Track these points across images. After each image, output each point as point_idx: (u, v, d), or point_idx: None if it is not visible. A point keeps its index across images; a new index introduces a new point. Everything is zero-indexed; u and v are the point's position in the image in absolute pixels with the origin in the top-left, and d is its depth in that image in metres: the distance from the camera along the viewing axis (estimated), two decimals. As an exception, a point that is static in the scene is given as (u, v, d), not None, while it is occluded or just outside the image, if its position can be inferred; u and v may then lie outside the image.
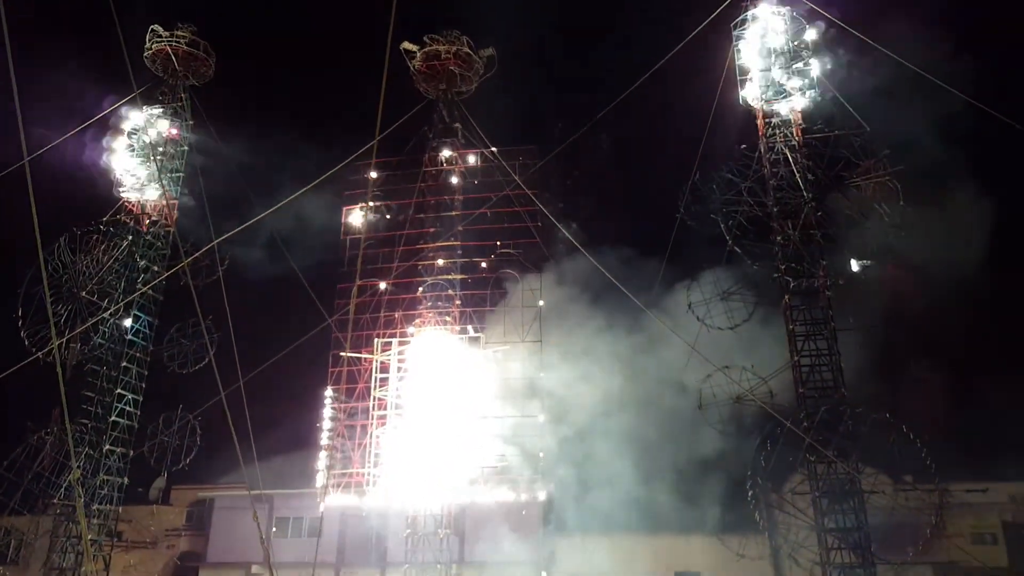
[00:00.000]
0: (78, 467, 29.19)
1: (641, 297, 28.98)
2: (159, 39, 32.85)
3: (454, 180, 31.82)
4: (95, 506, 30.26)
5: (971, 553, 30.52)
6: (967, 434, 33.14)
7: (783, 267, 28.82)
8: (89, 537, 29.90)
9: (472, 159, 32.24)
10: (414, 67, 32.18)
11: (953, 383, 33.67)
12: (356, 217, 32.12)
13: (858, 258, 28.67)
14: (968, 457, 31.72)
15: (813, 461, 27.04)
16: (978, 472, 32.52)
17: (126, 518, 33.99)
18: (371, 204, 31.44)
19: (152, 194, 32.58)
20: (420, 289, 31.21)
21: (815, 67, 29.02)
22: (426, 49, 32.00)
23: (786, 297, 28.78)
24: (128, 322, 31.65)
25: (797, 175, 28.85)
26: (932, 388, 32.41)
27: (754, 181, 29.66)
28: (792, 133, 29.36)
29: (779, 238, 29.04)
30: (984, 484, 32.83)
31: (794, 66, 29.31)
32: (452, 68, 31.91)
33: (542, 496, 31.82)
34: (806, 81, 29.17)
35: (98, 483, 30.43)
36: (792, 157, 29.09)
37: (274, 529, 33.98)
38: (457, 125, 32.00)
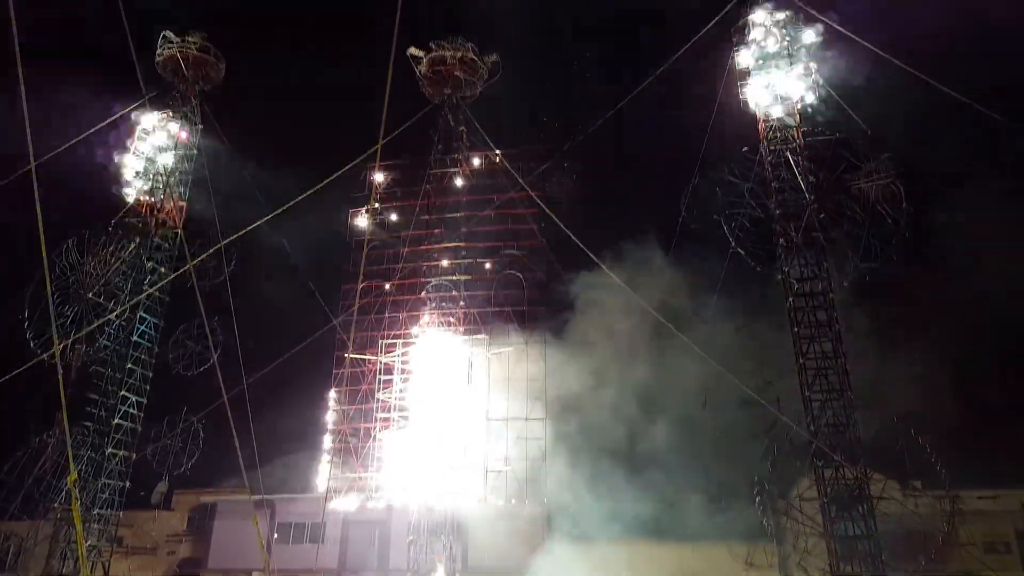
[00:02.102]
0: (76, 469, 29.03)
1: (645, 298, 29.00)
2: (170, 45, 33.59)
3: (459, 183, 32.19)
4: (96, 511, 30.00)
5: (984, 562, 29.95)
6: (978, 439, 32.67)
7: (786, 269, 28.84)
8: (89, 543, 29.64)
9: (476, 162, 32.63)
10: (420, 72, 32.82)
11: (963, 387, 33.31)
12: (362, 219, 32.40)
13: (862, 260, 28.64)
14: (979, 463, 31.25)
15: (820, 466, 26.71)
16: (989, 479, 32.02)
17: (127, 523, 33.68)
18: (376, 206, 31.72)
19: (160, 197, 32.97)
20: (424, 291, 31.29)
21: (815, 71, 29.37)
22: (432, 55, 32.69)
23: (790, 299, 28.72)
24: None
25: (799, 177, 29.02)
26: (941, 392, 32.08)
27: (756, 183, 29.85)
28: (793, 135, 29.61)
29: (782, 240, 29.11)
30: (996, 491, 32.31)
31: (794, 70, 29.68)
32: (457, 73, 32.54)
33: (546, 502, 31.45)
34: (806, 84, 29.51)
35: (99, 487, 30.22)
36: (793, 160, 29.29)
37: (276, 535, 33.61)
38: (462, 129, 32.50)
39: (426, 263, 31.32)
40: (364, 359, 30.77)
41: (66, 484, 29.53)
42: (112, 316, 30.87)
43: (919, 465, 28.15)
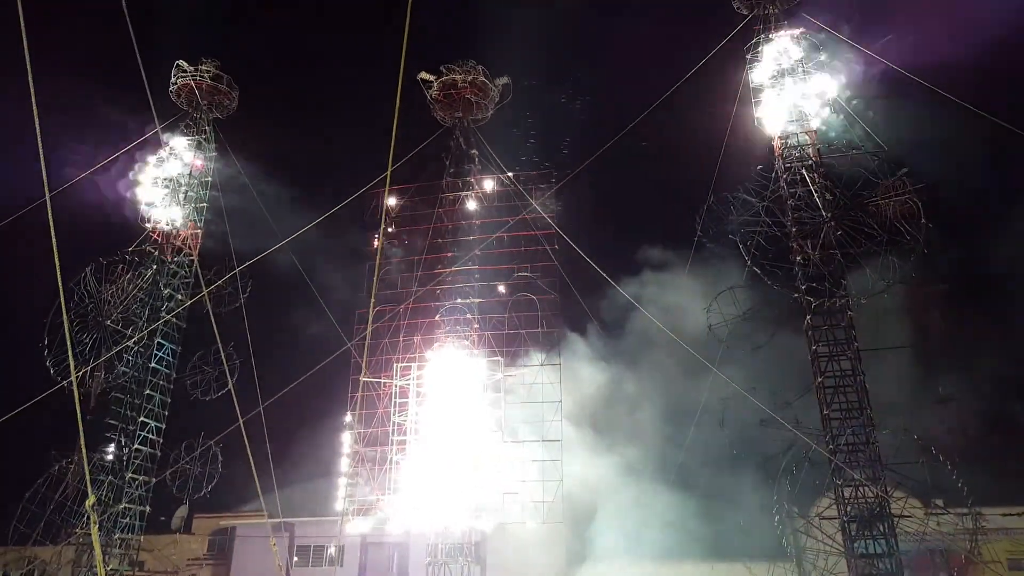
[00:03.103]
0: (94, 494, 29.28)
1: (660, 318, 28.90)
2: (184, 74, 33.85)
3: (471, 205, 32.21)
4: (117, 535, 30.29)
5: (1009, 579, 29.60)
6: (1000, 456, 32.26)
7: (803, 287, 28.57)
8: (111, 567, 29.91)
9: (489, 184, 32.64)
10: (431, 96, 32.87)
11: (983, 403, 32.93)
12: (375, 243, 32.50)
13: (881, 277, 28.30)
14: (1002, 480, 30.86)
15: (840, 485, 26.49)
16: (1012, 495, 31.62)
17: (148, 548, 33.94)
18: (389, 230, 31.81)
19: (176, 224, 33.23)
20: (438, 314, 31.33)
21: (830, 88, 29.08)
22: (443, 78, 32.77)
23: (808, 318, 28.47)
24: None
25: (815, 195, 28.74)
26: (962, 408, 31.72)
27: (772, 201, 29.61)
28: (809, 153, 29.33)
29: (799, 258, 28.84)
30: (1020, 508, 31.90)
31: (809, 87, 29.40)
32: (468, 96, 32.58)
33: (564, 522, 31.38)
34: (821, 102, 29.23)
35: (120, 511, 30.49)
36: (809, 177, 29.01)
37: (295, 558, 33.76)
38: (474, 151, 32.53)
39: (440, 286, 31.34)
40: (379, 381, 30.82)
41: (84, 508, 29.79)
42: (130, 343, 31.11)
43: (941, 483, 27.79)
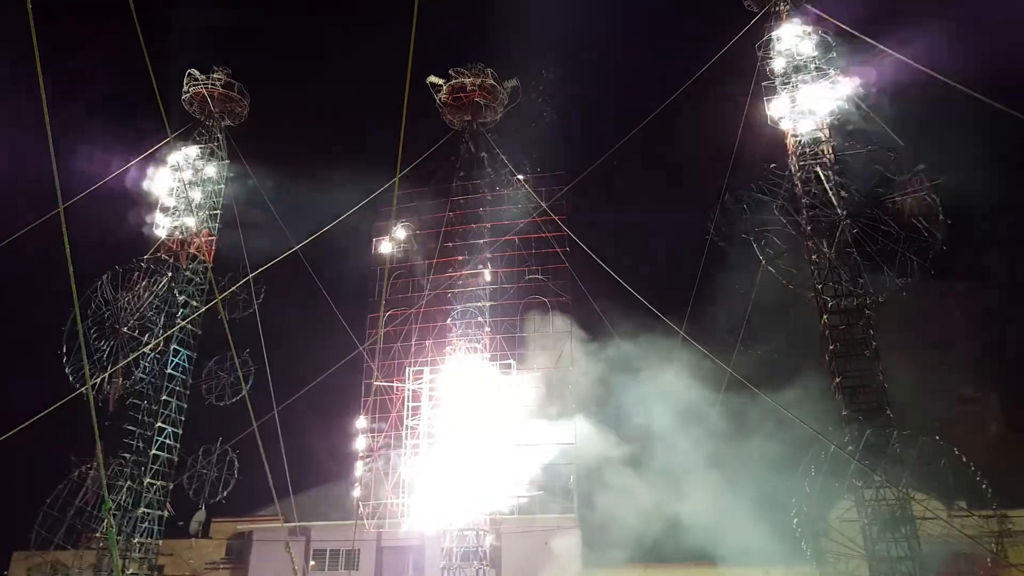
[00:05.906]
0: (111, 499, 29.71)
1: (673, 319, 28.58)
2: (196, 82, 34.24)
3: (482, 209, 32.18)
4: (136, 539, 30.66)
5: (1037, 583, 28.89)
6: (1024, 456, 31.49)
7: (820, 286, 28.16)
8: (131, 571, 30.29)
9: (499, 187, 32.58)
10: (440, 100, 32.89)
11: (1006, 402, 32.23)
12: (386, 247, 32.53)
13: (899, 275, 27.78)
14: (1027, 481, 30.10)
15: (860, 487, 26.07)
16: (1039, 497, 30.83)
17: (167, 551, 34.31)
18: (399, 235, 31.87)
19: (190, 231, 33.58)
20: (450, 317, 31.32)
21: (843, 84, 28.61)
22: (451, 82, 32.80)
23: (824, 317, 28.04)
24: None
25: (830, 192, 28.30)
26: (984, 408, 31.06)
27: (785, 199, 29.20)
28: (823, 151, 28.89)
29: (814, 256, 28.43)
30: (1047, 510, 31.09)
31: (822, 83, 28.96)
32: (477, 99, 32.61)
33: (578, 526, 31.20)
34: (834, 98, 28.76)
35: (139, 516, 30.84)
36: (824, 175, 28.58)
37: (312, 562, 33.92)
38: (483, 154, 32.51)
39: (451, 290, 31.33)
40: (391, 386, 30.87)
41: (103, 512, 30.15)
42: (147, 349, 31.48)
43: (964, 484, 27.23)
